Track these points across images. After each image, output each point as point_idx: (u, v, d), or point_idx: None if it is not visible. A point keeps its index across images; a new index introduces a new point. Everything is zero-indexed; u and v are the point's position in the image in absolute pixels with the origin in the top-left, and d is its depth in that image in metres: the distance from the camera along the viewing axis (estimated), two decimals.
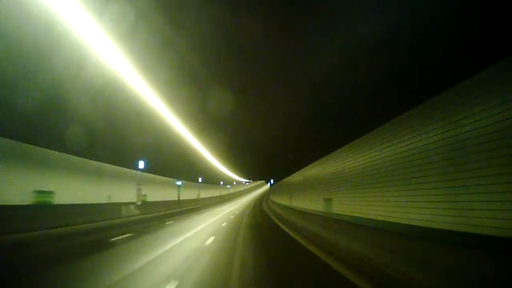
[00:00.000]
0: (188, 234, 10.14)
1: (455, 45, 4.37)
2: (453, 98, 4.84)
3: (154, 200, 23.48)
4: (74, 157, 14.18)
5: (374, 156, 7.94)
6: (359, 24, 5.12)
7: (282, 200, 26.83)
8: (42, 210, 11.69)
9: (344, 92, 7.61)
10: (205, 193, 42.99)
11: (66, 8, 5.97)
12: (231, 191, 67.52)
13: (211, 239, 8.95)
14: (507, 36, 3.65)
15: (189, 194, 34.26)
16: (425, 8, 4.06)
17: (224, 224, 14.29)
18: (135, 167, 19.51)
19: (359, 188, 8.78)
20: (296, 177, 20.90)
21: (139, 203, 19.71)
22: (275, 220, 16.62)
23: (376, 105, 7.28)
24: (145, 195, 21.32)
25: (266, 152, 20.78)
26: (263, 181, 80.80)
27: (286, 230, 11.48)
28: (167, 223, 14.60)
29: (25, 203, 11.14)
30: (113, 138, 14.65)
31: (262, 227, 13.53)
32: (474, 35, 4.00)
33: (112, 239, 8.90)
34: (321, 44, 6.22)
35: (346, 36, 5.59)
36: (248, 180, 79.92)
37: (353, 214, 9.00)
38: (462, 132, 4.55)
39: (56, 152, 13.10)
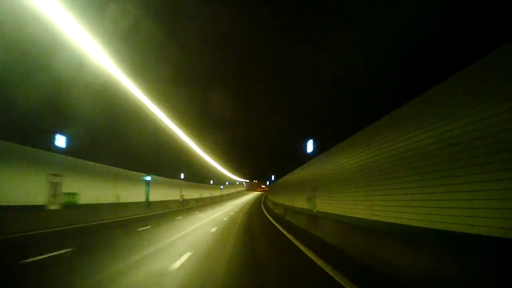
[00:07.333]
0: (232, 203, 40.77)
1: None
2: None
3: (215, 195, 53.39)
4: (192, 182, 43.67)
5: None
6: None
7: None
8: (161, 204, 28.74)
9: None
10: (231, 190, 76.08)
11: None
12: (243, 188, 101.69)
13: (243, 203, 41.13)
14: None
15: (225, 191, 64.71)
16: None
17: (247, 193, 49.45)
18: (208, 183, 48.80)
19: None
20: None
21: (211, 196, 49.90)
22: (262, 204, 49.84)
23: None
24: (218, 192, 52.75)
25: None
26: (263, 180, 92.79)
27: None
28: (223, 203, 44.17)
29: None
30: (201, 173, 39.17)
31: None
32: None
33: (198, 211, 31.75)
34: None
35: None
36: (253, 180, 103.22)
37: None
38: None
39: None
